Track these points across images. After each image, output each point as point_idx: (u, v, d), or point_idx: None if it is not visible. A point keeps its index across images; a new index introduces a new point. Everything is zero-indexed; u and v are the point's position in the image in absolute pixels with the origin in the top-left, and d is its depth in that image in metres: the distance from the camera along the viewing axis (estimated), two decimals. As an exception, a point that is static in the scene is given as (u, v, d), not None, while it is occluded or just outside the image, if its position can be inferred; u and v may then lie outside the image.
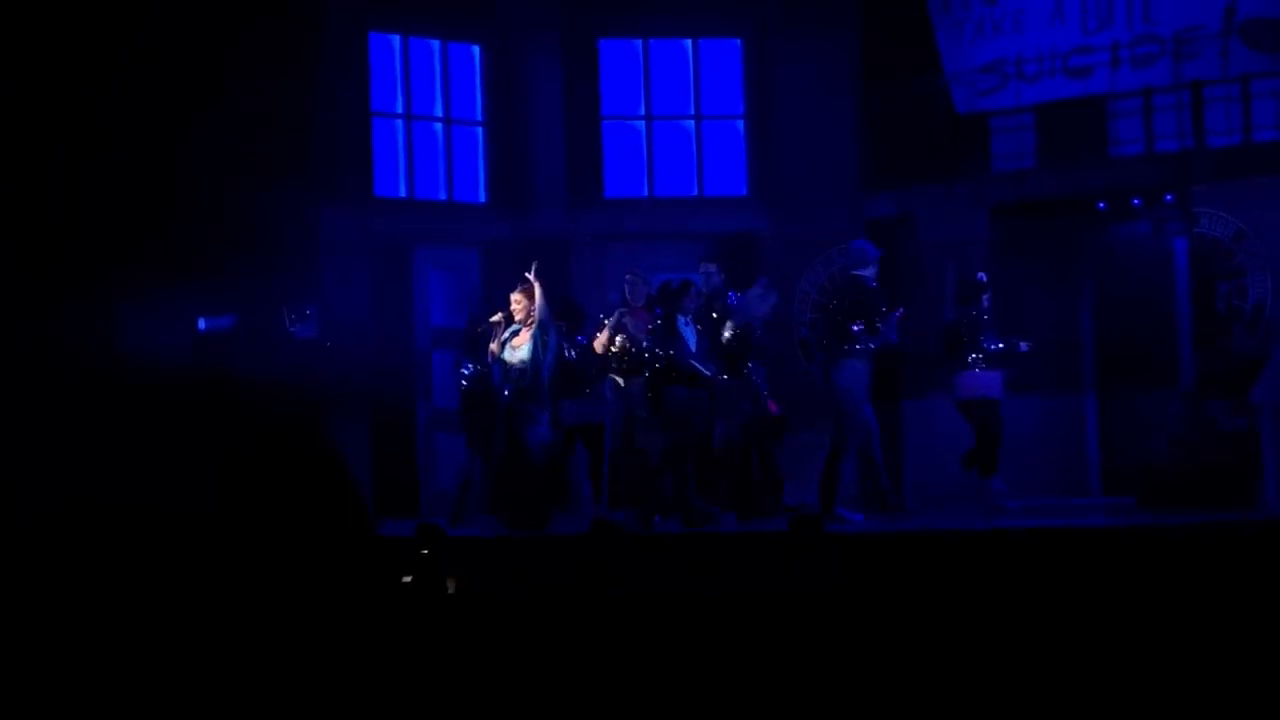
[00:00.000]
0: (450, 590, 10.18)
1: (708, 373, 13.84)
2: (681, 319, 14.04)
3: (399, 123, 17.70)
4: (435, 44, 17.94)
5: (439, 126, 17.96)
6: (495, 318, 14.35)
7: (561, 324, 14.44)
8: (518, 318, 14.05)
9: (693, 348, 13.90)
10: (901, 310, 14.32)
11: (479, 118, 18.17)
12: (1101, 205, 16.60)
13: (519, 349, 13.91)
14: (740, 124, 18.35)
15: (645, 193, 18.26)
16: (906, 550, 10.92)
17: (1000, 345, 14.17)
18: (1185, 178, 15.89)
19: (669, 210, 18.17)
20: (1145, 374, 15.56)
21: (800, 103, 17.82)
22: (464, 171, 18.10)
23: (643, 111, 18.28)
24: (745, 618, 8.24)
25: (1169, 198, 16.18)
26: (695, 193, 18.31)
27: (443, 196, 17.96)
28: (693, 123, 18.33)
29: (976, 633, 7.70)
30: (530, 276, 14.05)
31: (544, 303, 13.98)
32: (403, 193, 17.70)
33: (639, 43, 18.24)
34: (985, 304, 14.31)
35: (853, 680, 7.02)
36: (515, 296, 14.08)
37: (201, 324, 16.06)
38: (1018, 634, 7.65)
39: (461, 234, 18.03)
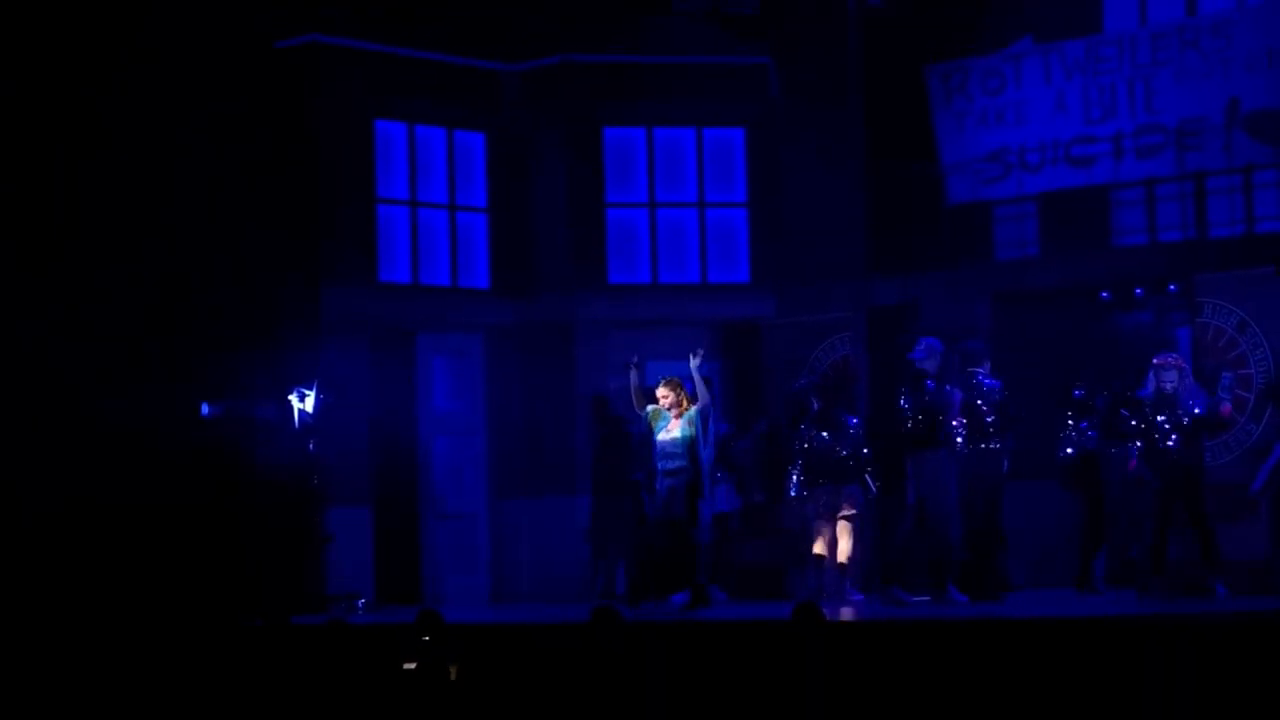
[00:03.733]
0: (452, 677, 10.15)
1: None
2: None
3: (404, 209, 17.76)
4: (441, 132, 18.03)
5: (444, 213, 18.02)
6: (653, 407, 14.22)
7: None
8: (666, 408, 13.97)
9: None
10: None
11: (483, 204, 18.24)
12: (1105, 294, 16.62)
13: (674, 432, 13.89)
14: (744, 211, 18.40)
15: (649, 279, 18.29)
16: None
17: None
18: (1189, 267, 15.91)
19: (672, 296, 18.19)
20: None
21: (803, 190, 17.88)
22: (468, 257, 18.15)
23: (646, 198, 18.33)
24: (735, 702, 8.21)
25: (1173, 287, 16.20)
26: (698, 279, 18.34)
27: (446, 282, 17.99)
28: (696, 210, 18.38)
29: None
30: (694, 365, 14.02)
31: (704, 390, 13.98)
32: (407, 278, 17.74)
33: (642, 131, 18.31)
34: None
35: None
36: (662, 391, 14.01)
37: (205, 409, 16.08)
38: None
39: (465, 319, 18.05)
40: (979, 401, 14.18)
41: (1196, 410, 13.52)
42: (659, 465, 13.88)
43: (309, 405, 15.89)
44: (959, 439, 14.17)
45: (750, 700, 8.73)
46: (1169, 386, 13.57)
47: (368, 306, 17.25)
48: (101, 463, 15.01)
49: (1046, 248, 17.18)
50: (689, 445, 13.74)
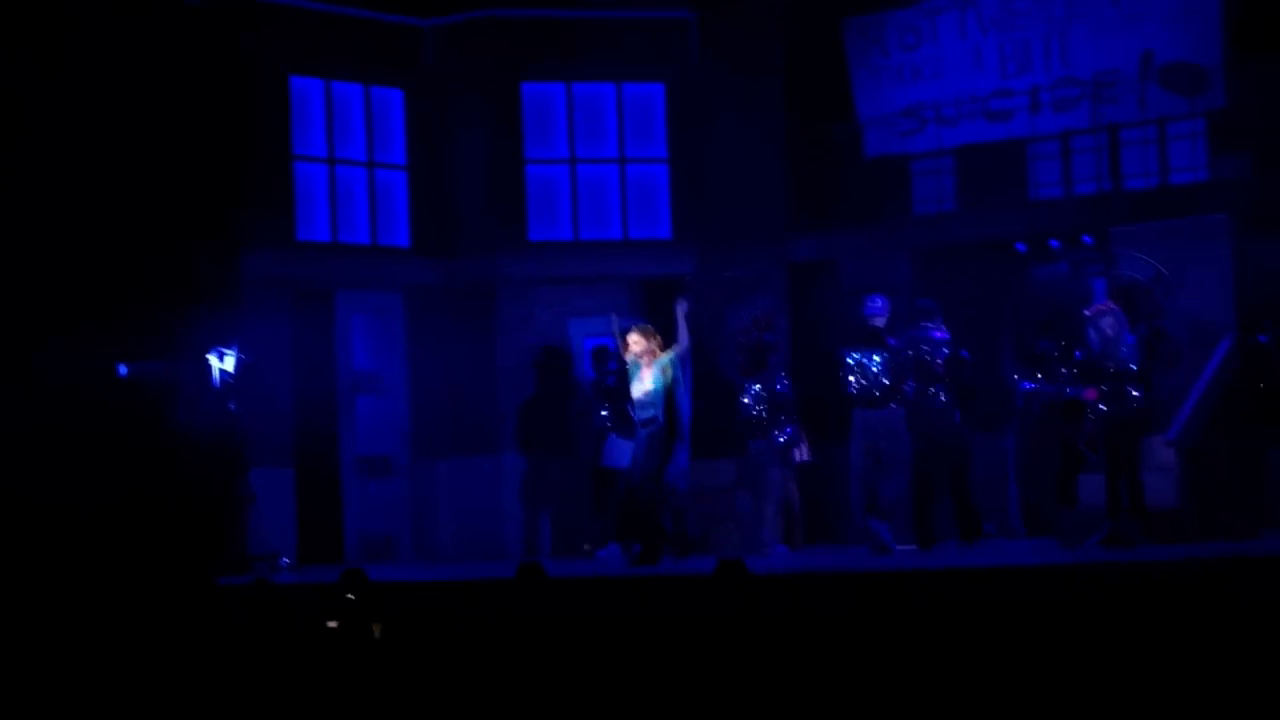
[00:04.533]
0: (375, 635, 10.15)
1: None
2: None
3: (322, 167, 17.67)
4: (358, 88, 17.93)
5: (362, 170, 17.93)
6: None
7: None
8: (637, 355, 13.93)
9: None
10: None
11: (402, 162, 18.16)
12: (1021, 247, 16.72)
13: (645, 383, 13.84)
14: (664, 168, 18.40)
15: (570, 236, 18.26)
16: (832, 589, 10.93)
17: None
18: (1104, 220, 16.04)
19: (593, 253, 18.18)
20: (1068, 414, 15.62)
21: (724, 147, 17.90)
22: (387, 215, 18.07)
23: (567, 155, 18.29)
24: (666, 652, 8.24)
25: (1088, 239, 16.31)
26: (620, 236, 18.33)
27: (366, 240, 17.92)
28: (617, 166, 18.37)
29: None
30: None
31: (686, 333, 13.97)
32: (326, 236, 17.65)
33: (562, 87, 18.27)
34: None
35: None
36: (634, 338, 13.97)
37: (123, 369, 15.97)
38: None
39: (385, 277, 17.99)
40: (933, 356, 14.39)
41: (1132, 365, 13.66)
42: (634, 417, 13.93)
43: (229, 365, 15.81)
44: (910, 393, 14.38)
45: (674, 653, 8.77)
46: (1110, 332, 13.71)
47: (287, 265, 17.16)
48: (18, 424, 14.90)
49: (964, 202, 17.27)
50: (661, 395, 13.69)
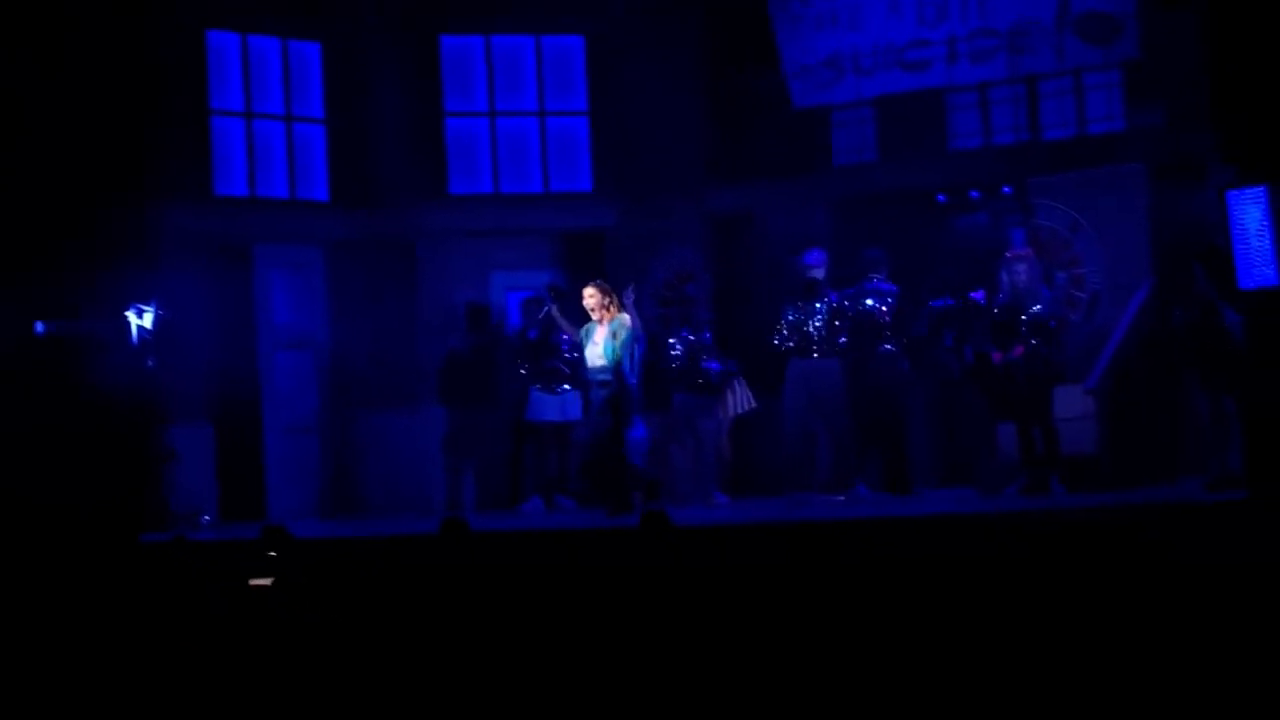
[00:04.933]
0: (298, 591, 10.12)
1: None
2: None
3: (239, 121, 17.53)
4: (275, 42, 17.79)
5: (280, 124, 17.81)
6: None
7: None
8: (594, 315, 13.87)
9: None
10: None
11: (320, 115, 18.04)
12: (941, 198, 16.79)
13: (599, 347, 13.77)
14: (585, 120, 18.36)
15: (490, 189, 18.21)
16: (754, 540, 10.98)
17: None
18: (1022, 170, 16.13)
19: (514, 206, 18.13)
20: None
21: (644, 98, 17.86)
22: (306, 169, 17.96)
23: (486, 108, 18.22)
24: (587, 609, 8.26)
25: (1007, 190, 16.40)
26: (540, 189, 18.29)
27: (284, 195, 17.81)
28: (537, 119, 18.32)
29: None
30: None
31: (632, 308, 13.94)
32: (244, 191, 17.53)
33: (480, 39, 18.19)
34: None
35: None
36: (589, 291, 13.91)
37: (40, 327, 15.84)
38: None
39: (304, 232, 17.89)
40: (880, 306, 14.54)
41: (1043, 313, 13.77)
42: (590, 379, 13.88)
43: (147, 322, 15.70)
44: (852, 345, 14.54)
45: (599, 604, 8.79)
46: (1022, 279, 13.81)
47: (204, 220, 17.02)
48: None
49: (884, 153, 17.32)
50: (613, 358, 13.64)
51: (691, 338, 15.54)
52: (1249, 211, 11.27)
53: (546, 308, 15.89)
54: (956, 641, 7.18)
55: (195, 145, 17.07)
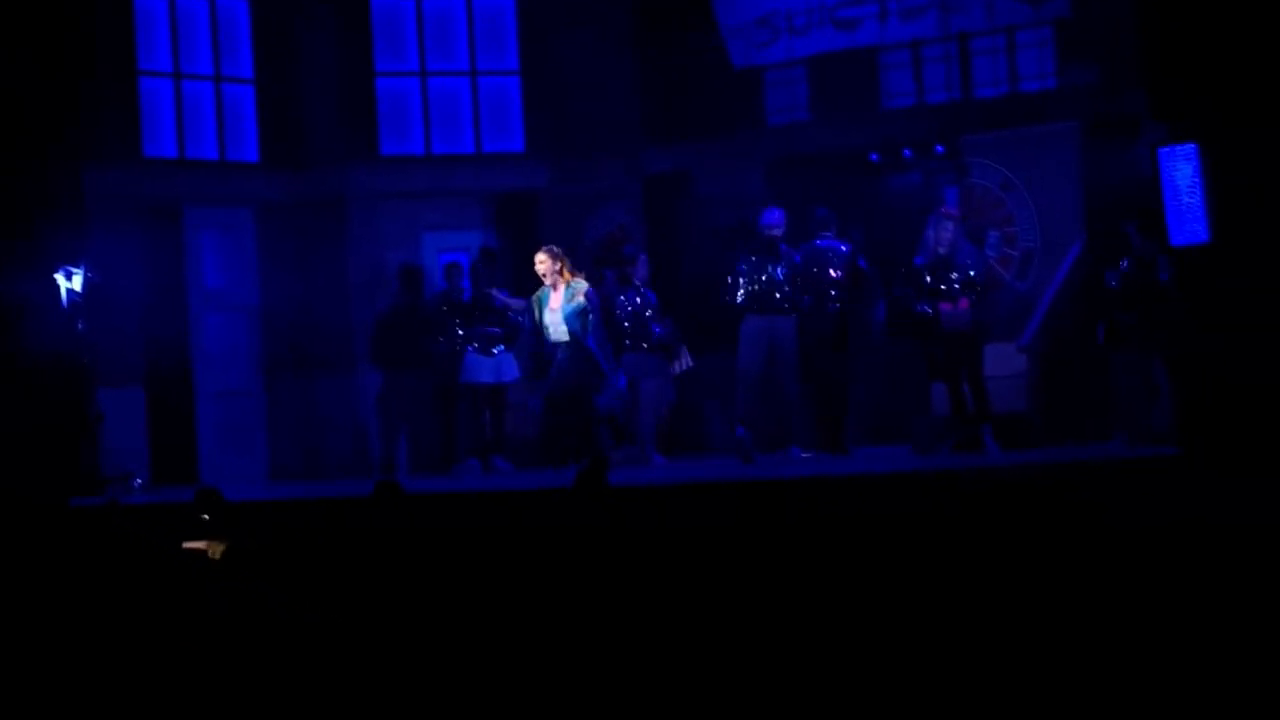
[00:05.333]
0: (217, 555, 10.05)
1: None
2: None
3: (168, 81, 17.38)
4: (203, 1, 17.64)
5: (209, 85, 17.67)
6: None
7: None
8: (546, 281, 13.74)
9: None
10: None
11: (249, 76, 17.90)
12: (874, 157, 16.80)
13: (557, 309, 13.65)
14: (516, 80, 18.28)
15: (422, 150, 18.12)
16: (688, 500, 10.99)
17: None
18: (955, 128, 16.15)
19: (446, 167, 18.04)
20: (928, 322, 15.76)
21: (577, 58, 17.79)
22: (235, 130, 17.83)
23: (417, 68, 18.12)
24: (528, 568, 8.24)
25: (939, 148, 16.42)
26: (473, 150, 18.21)
27: (214, 156, 17.68)
28: (468, 79, 18.22)
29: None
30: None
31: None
32: (173, 152, 17.39)
33: (411, -1, 18.10)
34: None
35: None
36: (540, 257, 13.79)
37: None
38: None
39: (234, 194, 17.77)
40: (828, 266, 14.61)
41: (972, 272, 13.81)
42: (550, 345, 13.73)
43: (76, 284, 15.56)
44: (808, 304, 14.61)
45: (533, 566, 8.77)
46: (947, 237, 13.85)
47: (133, 182, 16.89)
48: None
49: (816, 112, 17.32)
50: (575, 319, 13.53)
51: (638, 299, 15.50)
52: (1180, 169, 11.32)
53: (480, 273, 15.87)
54: (894, 600, 7.20)
55: (123, 106, 16.92)
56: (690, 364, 15.83)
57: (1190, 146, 11.27)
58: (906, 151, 16.71)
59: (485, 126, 18.21)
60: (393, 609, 8.31)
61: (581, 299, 13.53)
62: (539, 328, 13.71)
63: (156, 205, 17.20)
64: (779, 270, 14.62)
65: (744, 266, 14.67)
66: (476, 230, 17.80)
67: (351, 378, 17.55)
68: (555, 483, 11.79)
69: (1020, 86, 16.24)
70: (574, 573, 7.82)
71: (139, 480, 15.94)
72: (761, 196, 16.55)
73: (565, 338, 13.56)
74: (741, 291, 14.64)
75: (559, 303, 13.59)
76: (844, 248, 14.97)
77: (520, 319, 15.03)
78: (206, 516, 10.67)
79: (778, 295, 14.59)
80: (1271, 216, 10.77)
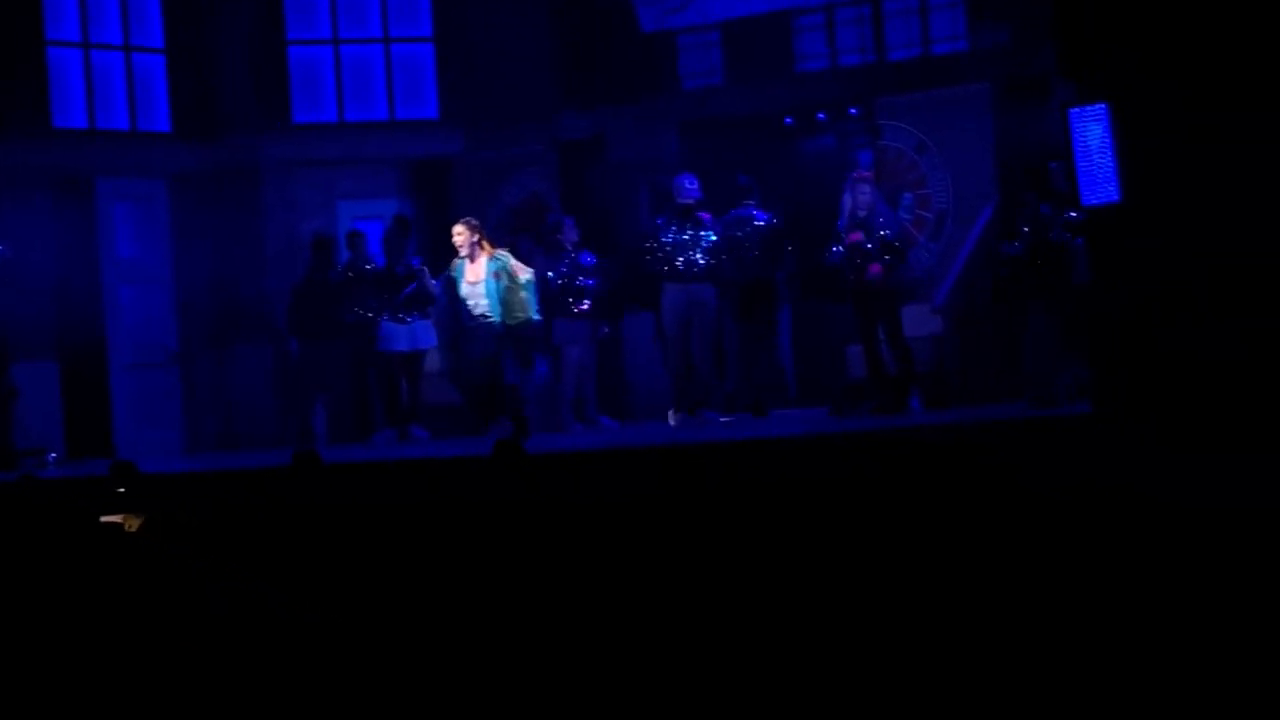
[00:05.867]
0: (133, 527, 10.01)
1: None
2: None
3: (77, 51, 17.21)
4: (112, -31, 17.49)
5: (119, 54, 17.51)
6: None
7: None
8: (463, 253, 13.60)
9: None
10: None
11: (160, 45, 17.75)
12: (788, 120, 16.82)
13: (477, 282, 13.52)
14: (430, 46, 18.20)
15: (335, 118, 18.02)
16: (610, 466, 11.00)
17: None
18: (868, 91, 16.19)
19: (359, 135, 17.97)
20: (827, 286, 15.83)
21: (490, 23, 17.72)
22: (147, 100, 17.68)
23: (329, 35, 18.01)
24: (446, 535, 8.24)
25: (853, 111, 16.47)
26: (386, 117, 18.13)
27: (125, 126, 17.53)
28: (381, 46, 18.13)
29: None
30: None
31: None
32: (83, 123, 17.24)
33: (322, -35, 17.98)
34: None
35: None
36: (457, 229, 13.66)
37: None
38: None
39: (147, 164, 17.63)
40: (750, 233, 14.67)
41: (885, 233, 13.86)
42: (467, 319, 13.59)
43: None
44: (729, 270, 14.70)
45: (453, 534, 8.78)
46: (864, 200, 13.90)
47: (43, 153, 16.74)
48: None
49: (731, 76, 17.33)
50: (495, 294, 13.45)
51: (567, 265, 15.45)
52: (1090, 129, 11.38)
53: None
54: (815, 564, 7.23)
55: (31, 77, 16.75)
56: (606, 330, 15.83)
57: (1100, 107, 11.33)
58: (821, 114, 16.75)
59: (399, 94, 18.14)
60: (313, 580, 8.30)
61: (526, 275, 13.50)
62: (456, 301, 13.63)
63: (67, 177, 17.06)
64: (703, 239, 14.63)
65: (666, 233, 14.68)
66: (391, 198, 17.74)
67: (267, 348, 17.48)
68: (473, 451, 11.78)
69: (933, 49, 16.30)
70: (491, 542, 7.83)
71: (54, 455, 15.83)
72: (676, 161, 16.56)
73: (486, 312, 13.50)
74: (661, 259, 14.66)
75: (479, 275, 13.51)
76: (764, 216, 15.03)
77: (430, 285, 14.92)
78: (122, 490, 10.62)
79: (699, 263, 14.61)
80: (1183, 175, 10.85)
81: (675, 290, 14.66)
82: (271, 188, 17.65)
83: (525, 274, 13.58)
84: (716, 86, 17.36)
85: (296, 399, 17.11)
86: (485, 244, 13.56)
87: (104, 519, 10.10)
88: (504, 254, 13.59)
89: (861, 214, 13.93)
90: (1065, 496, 7.29)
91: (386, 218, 16.77)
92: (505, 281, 13.46)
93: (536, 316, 13.69)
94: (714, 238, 14.63)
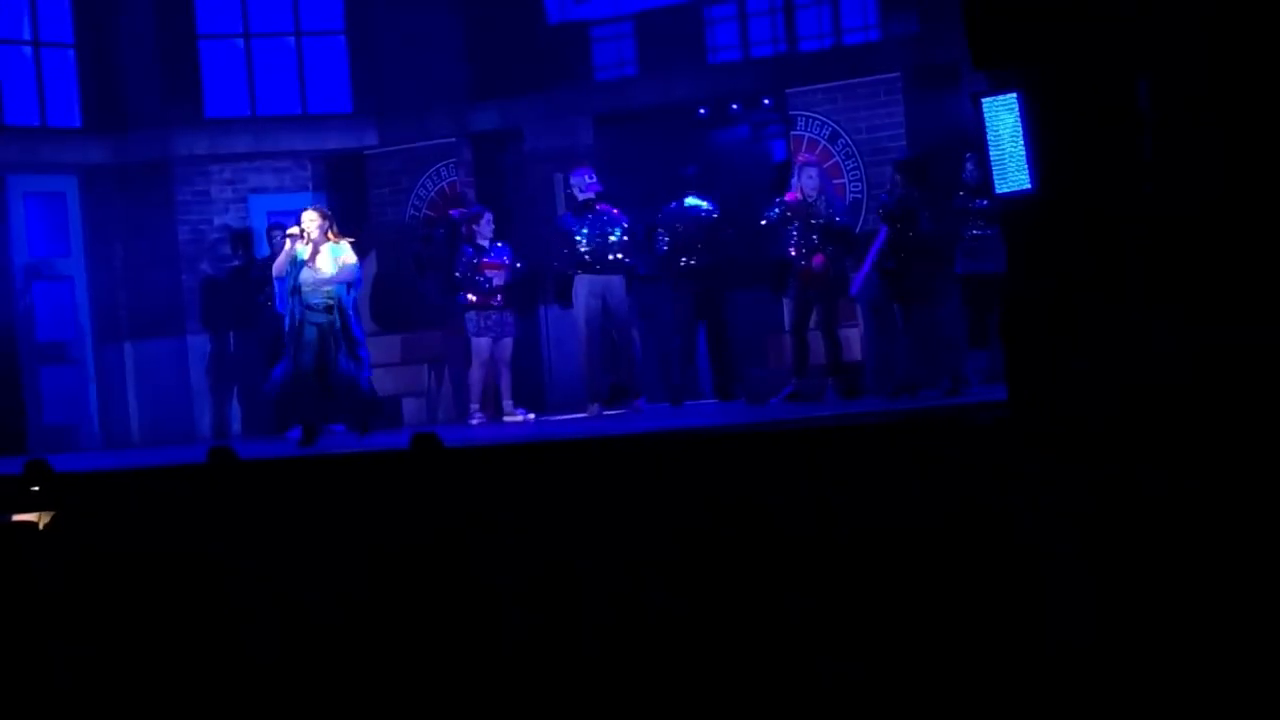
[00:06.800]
0: (42, 526, 9.94)
1: None
2: None
3: (-16, 47, 17.10)
4: (18, -36, 17.35)
5: (28, 49, 17.37)
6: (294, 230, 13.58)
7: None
8: (312, 238, 13.39)
9: None
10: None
11: (70, 40, 17.61)
12: (702, 111, 16.87)
13: (323, 270, 13.32)
14: (342, 39, 18.13)
15: (248, 112, 17.94)
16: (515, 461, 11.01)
17: None
18: (781, 81, 16.25)
19: (272, 128, 17.88)
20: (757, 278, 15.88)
21: (401, 16, 17.67)
22: (56, 95, 17.55)
23: (241, 29, 17.92)
24: (361, 529, 8.24)
25: (767, 101, 16.53)
26: (299, 111, 18.06)
27: (35, 122, 17.40)
28: (293, 39, 18.05)
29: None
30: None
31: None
32: (-9, 119, 17.13)
33: (233, -43, 17.89)
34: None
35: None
36: (309, 216, 13.48)
37: None
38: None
39: (57, 159, 17.49)
40: (693, 224, 14.75)
41: (837, 219, 13.94)
42: (308, 304, 13.42)
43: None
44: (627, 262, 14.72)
45: (372, 528, 8.77)
46: (810, 185, 13.95)
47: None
48: None
49: (644, 67, 17.35)
50: (339, 287, 13.39)
51: (486, 256, 15.43)
52: (1002, 118, 11.46)
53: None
54: (735, 553, 7.26)
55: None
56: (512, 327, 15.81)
57: (1012, 95, 11.41)
58: (734, 105, 16.80)
59: (311, 87, 18.07)
60: (233, 577, 8.27)
61: (352, 259, 13.40)
62: (295, 288, 13.43)
63: (-25, 173, 16.94)
64: (604, 230, 14.72)
65: (576, 225, 14.76)
66: (305, 192, 17.66)
67: (183, 341, 17.39)
68: (391, 444, 11.76)
69: (844, 39, 16.38)
70: (408, 535, 7.83)
71: (-34, 453, 15.72)
72: (590, 152, 16.58)
73: (329, 299, 13.39)
74: (568, 253, 14.75)
75: (326, 264, 13.39)
76: (707, 205, 15.17)
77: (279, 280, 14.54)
78: (36, 488, 10.54)
79: (608, 254, 14.69)
80: (1093, 161, 10.93)
81: (584, 282, 14.75)
82: (183, 182, 17.56)
83: (350, 258, 13.45)
84: (630, 78, 17.38)
85: (211, 394, 17.02)
86: (332, 233, 13.46)
87: (16, 518, 10.03)
88: (344, 242, 13.49)
89: (811, 199, 13.98)
90: (977, 486, 7.34)
91: (299, 212, 16.69)
92: (348, 267, 13.37)
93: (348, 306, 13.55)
94: (623, 228, 14.72)
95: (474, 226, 15.60)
